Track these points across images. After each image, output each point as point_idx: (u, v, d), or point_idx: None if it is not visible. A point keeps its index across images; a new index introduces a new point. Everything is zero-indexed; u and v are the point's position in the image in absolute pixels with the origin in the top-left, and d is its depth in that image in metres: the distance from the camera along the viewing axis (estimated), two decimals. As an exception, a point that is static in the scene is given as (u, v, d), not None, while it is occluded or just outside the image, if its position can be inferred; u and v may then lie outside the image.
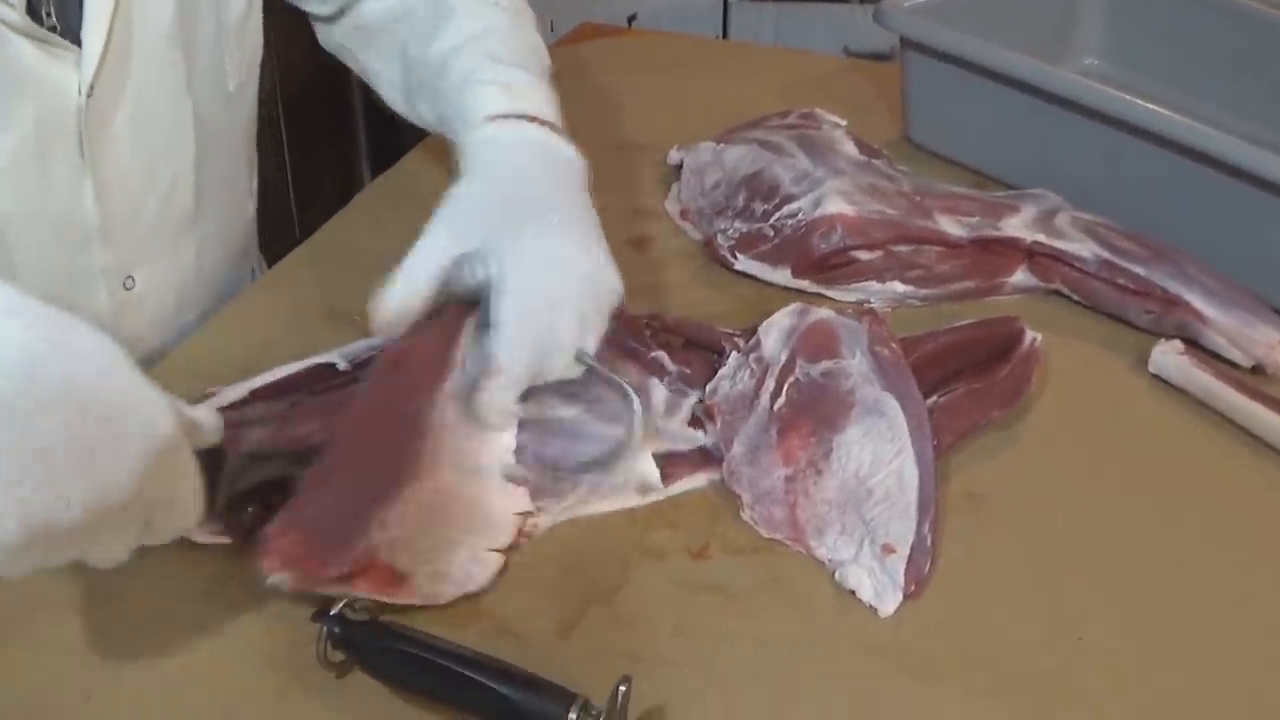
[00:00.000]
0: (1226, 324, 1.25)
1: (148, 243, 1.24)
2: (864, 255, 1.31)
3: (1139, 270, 1.29)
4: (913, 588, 0.99)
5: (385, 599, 0.93)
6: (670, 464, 1.09)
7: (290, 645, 0.93)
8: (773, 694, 0.92)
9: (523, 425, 1.06)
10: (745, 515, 1.06)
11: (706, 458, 1.11)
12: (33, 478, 0.72)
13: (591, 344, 1.05)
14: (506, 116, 1.14)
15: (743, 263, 1.35)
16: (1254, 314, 1.26)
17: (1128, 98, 1.37)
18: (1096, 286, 1.31)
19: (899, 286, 1.32)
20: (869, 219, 1.31)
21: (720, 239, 1.37)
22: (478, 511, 1.01)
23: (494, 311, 1.02)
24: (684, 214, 1.45)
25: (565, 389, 1.08)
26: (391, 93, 1.35)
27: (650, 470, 1.07)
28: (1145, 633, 0.98)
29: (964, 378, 1.16)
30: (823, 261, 1.31)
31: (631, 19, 2.79)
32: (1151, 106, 1.35)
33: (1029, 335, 1.19)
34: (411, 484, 0.97)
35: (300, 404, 1.07)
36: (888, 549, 1.00)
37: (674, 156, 1.54)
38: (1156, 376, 1.24)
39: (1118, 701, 0.92)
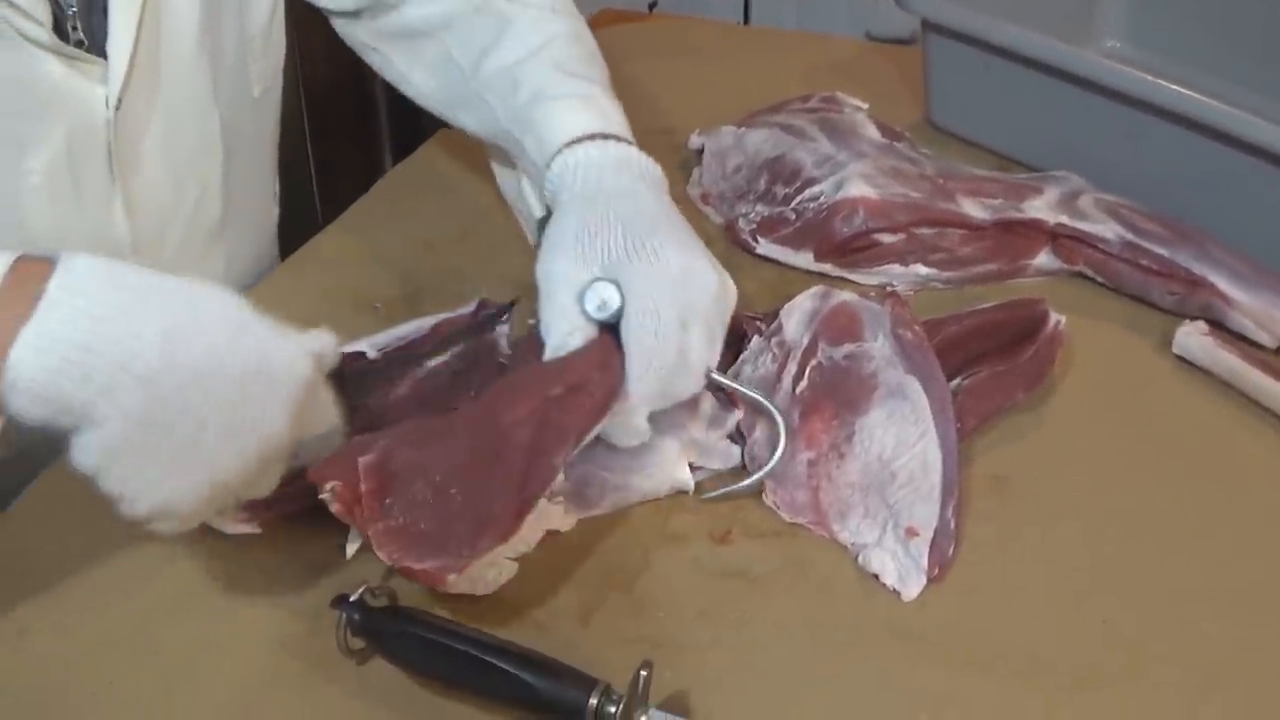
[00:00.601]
0: (1252, 305, 1.24)
1: (178, 256, 1.23)
2: (886, 238, 1.30)
3: (1163, 251, 1.28)
4: (936, 571, 0.98)
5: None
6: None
7: (310, 633, 0.93)
8: (795, 679, 0.91)
9: None
10: (768, 499, 1.05)
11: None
12: (197, 447, 0.78)
13: (715, 359, 1.04)
14: (593, 137, 1.12)
15: (764, 246, 1.34)
16: (1279, 294, 1.25)
17: (1151, 78, 1.35)
18: (1120, 268, 1.30)
19: (922, 269, 1.31)
20: (891, 202, 1.30)
21: (742, 223, 1.37)
22: None
23: (625, 334, 1.00)
24: (705, 198, 1.45)
25: None
26: (425, 100, 1.33)
27: (685, 477, 1.06)
28: (1170, 616, 0.97)
29: (988, 360, 1.15)
30: (845, 245, 1.30)
31: (653, 5, 2.78)
32: (1175, 87, 1.34)
33: (1053, 317, 1.18)
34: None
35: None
36: (911, 532, 0.99)
37: (695, 141, 1.54)
38: (1181, 358, 1.24)
39: (1143, 685, 0.91)
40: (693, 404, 1.08)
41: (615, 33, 1.94)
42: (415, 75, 1.31)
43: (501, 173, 1.35)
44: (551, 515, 1.02)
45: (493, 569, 0.96)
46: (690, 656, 0.92)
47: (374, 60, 1.35)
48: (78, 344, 0.75)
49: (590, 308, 1.00)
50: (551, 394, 0.95)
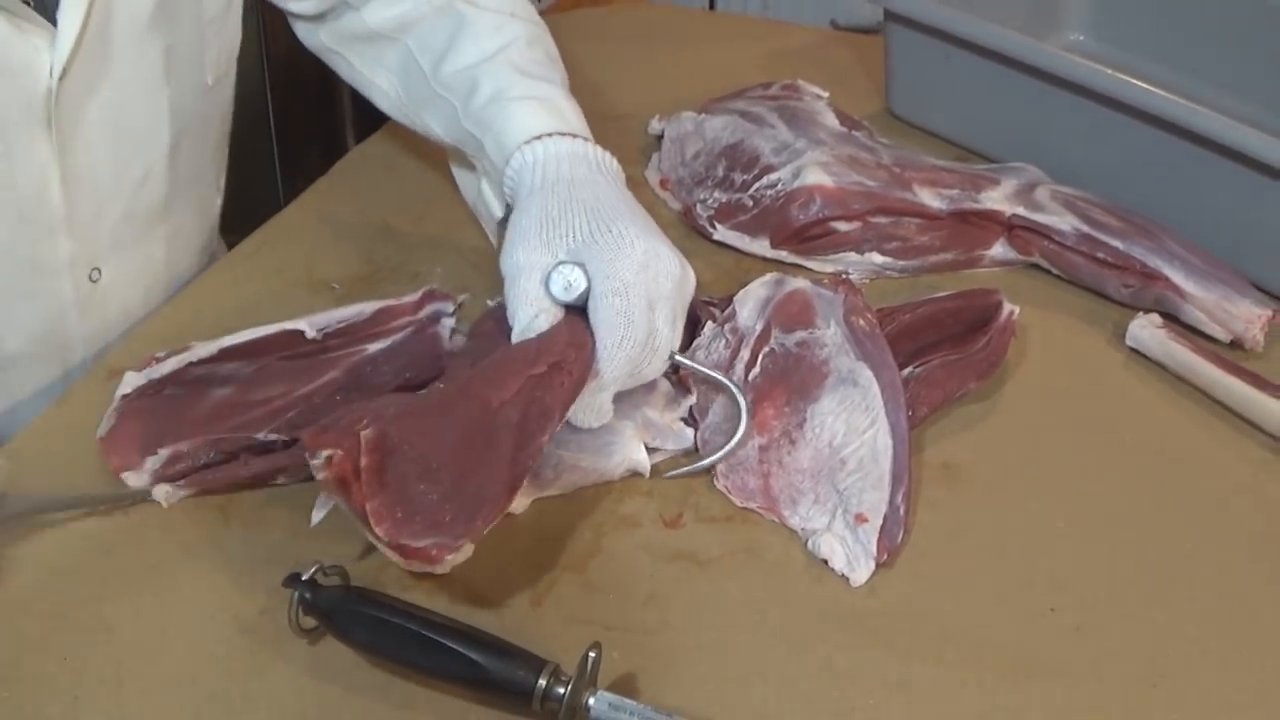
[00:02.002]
0: (1205, 299, 1.25)
1: (116, 234, 1.23)
2: (842, 226, 1.31)
3: (1118, 244, 1.29)
4: (885, 557, 0.99)
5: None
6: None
7: (261, 611, 0.93)
8: (743, 661, 0.92)
9: None
10: (719, 484, 1.06)
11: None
12: None
13: (678, 341, 1.05)
14: (551, 135, 1.13)
15: (721, 232, 1.35)
16: (1233, 289, 1.26)
17: (1110, 72, 1.36)
18: (1075, 260, 1.31)
19: (877, 258, 1.32)
20: (848, 190, 1.31)
21: (699, 209, 1.37)
22: None
23: (594, 315, 1.01)
24: (663, 184, 1.45)
25: None
26: (385, 102, 1.33)
27: (642, 459, 1.07)
28: (1117, 605, 0.98)
29: (941, 349, 1.16)
30: (801, 232, 1.31)
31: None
32: (1133, 81, 1.35)
33: (1006, 307, 1.19)
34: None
35: (268, 367, 1.09)
36: (860, 518, 1.00)
37: (655, 126, 1.54)
38: (1134, 350, 1.25)
39: (1090, 672, 0.92)
40: (650, 386, 1.09)
41: (579, 17, 1.95)
42: (378, 79, 1.31)
43: (462, 176, 1.36)
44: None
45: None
46: (639, 639, 0.93)
47: (336, 64, 1.36)
48: None
49: (556, 290, 1.01)
50: (535, 372, 0.95)
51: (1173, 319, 1.27)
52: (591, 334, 1.00)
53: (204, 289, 1.29)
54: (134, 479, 1.02)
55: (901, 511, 1.01)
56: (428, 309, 1.19)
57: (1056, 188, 1.37)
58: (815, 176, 1.31)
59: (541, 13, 1.84)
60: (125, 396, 1.04)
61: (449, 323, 1.19)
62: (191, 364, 1.06)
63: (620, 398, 1.05)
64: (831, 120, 1.46)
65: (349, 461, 0.87)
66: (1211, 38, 1.65)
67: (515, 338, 1.02)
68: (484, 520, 0.89)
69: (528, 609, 0.95)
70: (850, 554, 0.99)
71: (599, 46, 1.82)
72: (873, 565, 0.99)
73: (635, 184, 1.41)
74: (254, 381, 1.08)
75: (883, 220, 1.31)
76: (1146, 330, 1.24)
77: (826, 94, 1.56)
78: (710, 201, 1.37)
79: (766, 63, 1.77)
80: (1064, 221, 1.31)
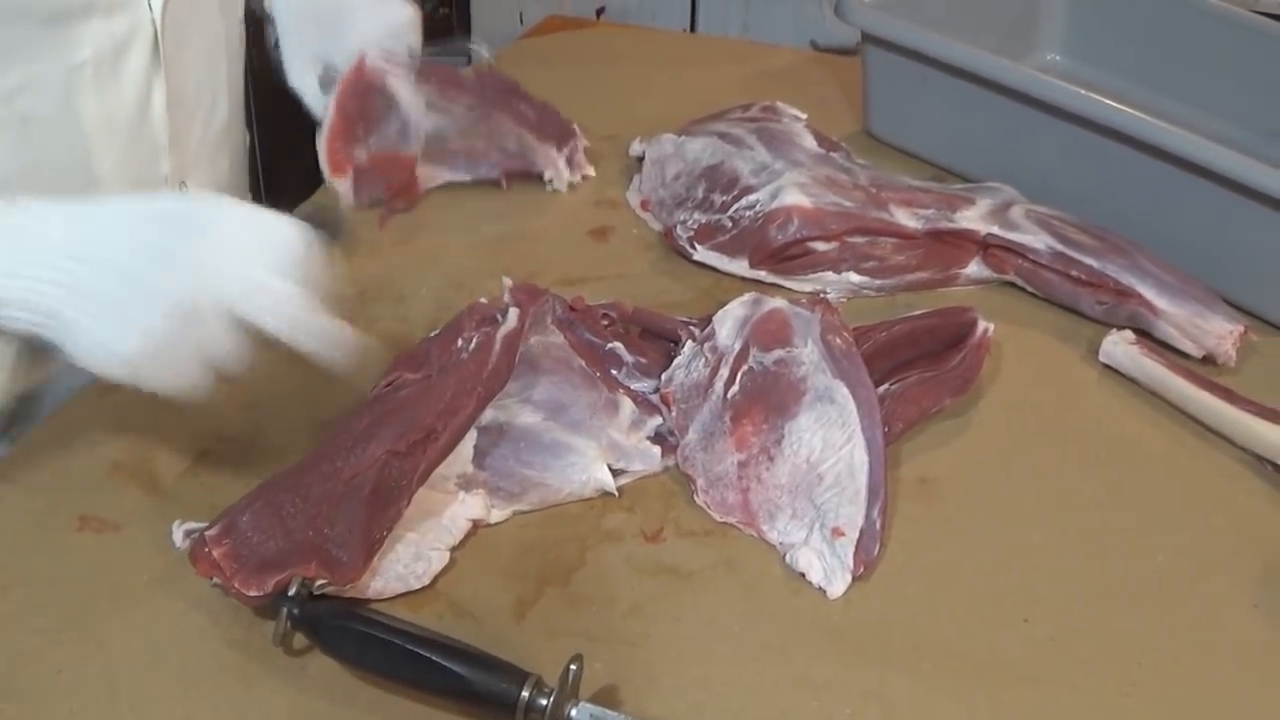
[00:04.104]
0: (1178, 315, 1.27)
1: (198, 151, 1.30)
2: (820, 246, 1.33)
3: (1092, 262, 1.31)
4: (861, 570, 1.01)
5: (331, 587, 0.95)
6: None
7: (249, 626, 0.95)
8: (723, 673, 0.93)
9: (483, 430, 1.08)
10: (699, 500, 1.08)
11: (662, 444, 1.13)
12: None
13: None
14: None
15: (701, 253, 1.36)
16: (1205, 305, 1.28)
17: (1083, 92, 1.38)
18: (1049, 277, 1.33)
19: (854, 277, 1.34)
20: (825, 211, 1.33)
21: (679, 229, 1.39)
22: (430, 514, 1.03)
23: None
24: (645, 205, 1.47)
25: (528, 395, 1.11)
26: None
27: (606, 479, 1.08)
28: (1090, 616, 1.00)
29: (916, 366, 1.18)
30: (779, 252, 1.33)
31: (600, 11, 2.81)
32: (1106, 101, 1.37)
33: (981, 325, 1.21)
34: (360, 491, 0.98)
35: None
36: (837, 532, 1.02)
37: (636, 148, 1.56)
38: (1108, 366, 1.27)
39: (1063, 682, 0.94)
40: (611, 408, 1.12)
41: (560, 40, 1.97)
42: None
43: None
44: (472, 505, 1.04)
45: (420, 561, 0.99)
46: (621, 650, 0.94)
47: None
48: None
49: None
50: (396, 449, 0.99)
51: (1146, 335, 1.29)
52: (476, 398, 1.05)
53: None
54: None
55: (878, 525, 1.03)
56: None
57: (1031, 207, 1.39)
58: (793, 197, 1.33)
59: (524, 35, 1.88)
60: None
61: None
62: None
63: (581, 420, 1.09)
64: (810, 142, 1.48)
65: (213, 568, 0.93)
66: (1185, 56, 1.68)
67: None
68: (340, 581, 0.94)
69: (511, 622, 0.97)
70: (827, 567, 1.01)
71: (581, 69, 1.84)
72: (849, 578, 1.00)
73: (617, 205, 1.44)
74: None
75: (859, 240, 1.33)
76: (1120, 346, 1.25)
77: (805, 116, 1.58)
78: (690, 222, 1.39)
79: (746, 84, 1.79)
80: (1038, 240, 1.33)
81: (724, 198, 1.38)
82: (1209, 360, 1.28)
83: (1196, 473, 1.16)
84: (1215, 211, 1.33)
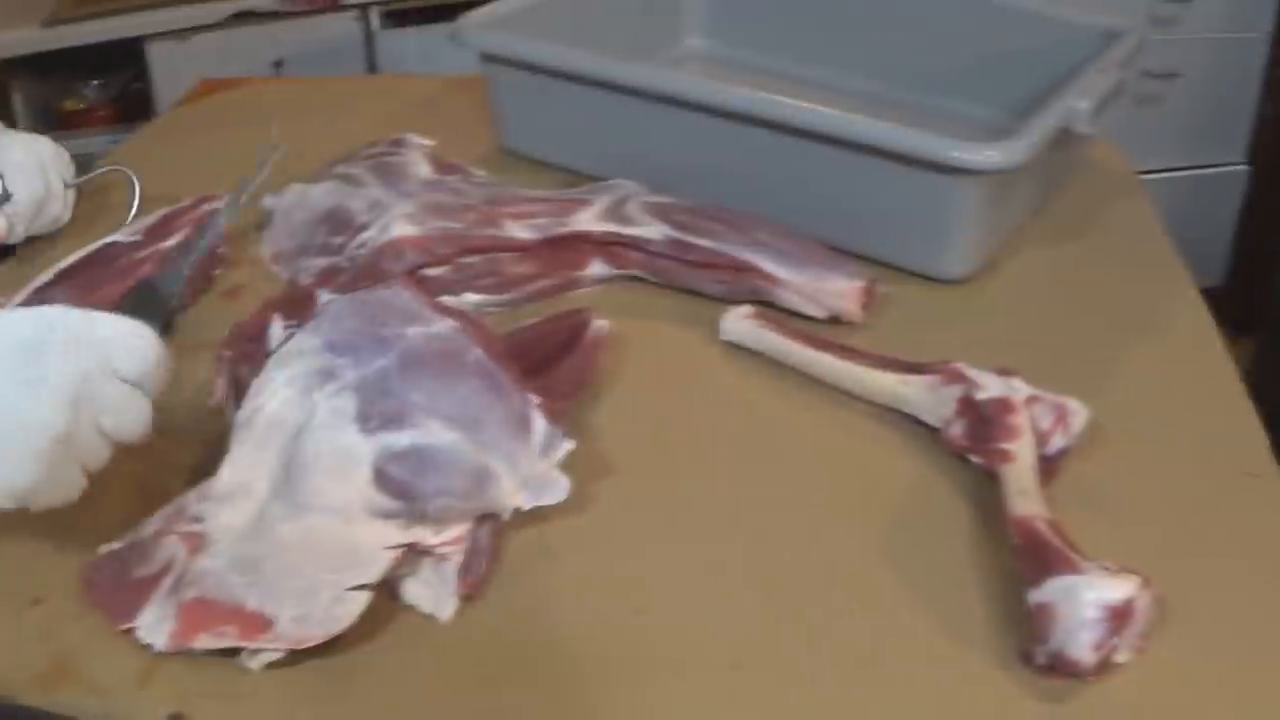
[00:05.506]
0: (798, 281, 1.29)
1: None
2: (433, 272, 1.33)
3: (707, 244, 1.32)
4: (468, 590, 1.00)
5: (251, 646, 0.93)
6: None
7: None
8: (340, 709, 0.93)
9: (391, 457, 1.03)
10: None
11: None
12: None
13: None
14: None
15: (325, 297, 1.35)
16: (826, 267, 1.31)
17: (681, 76, 1.42)
18: (667, 265, 1.35)
19: (473, 296, 1.34)
20: (433, 236, 1.33)
21: (303, 276, 1.38)
22: (345, 549, 0.99)
23: None
24: (275, 258, 1.46)
25: (436, 406, 1.06)
26: None
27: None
28: (709, 599, 1.00)
29: (536, 374, 1.18)
30: (397, 284, 1.33)
31: (278, 64, 2.80)
32: (697, 80, 1.40)
33: (594, 324, 1.22)
34: None
35: (98, 277, 1.33)
36: (441, 557, 1.01)
37: (268, 202, 1.54)
38: (732, 344, 1.28)
39: (680, 673, 0.94)
40: (524, 426, 1.08)
41: (212, 104, 1.95)
42: None
43: None
44: (388, 532, 1.01)
45: (340, 604, 0.95)
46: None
47: None
48: None
49: None
50: None
51: (772, 306, 1.31)
52: None
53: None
54: None
55: (485, 543, 1.03)
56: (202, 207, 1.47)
57: (648, 199, 1.41)
58: (401, 228, 1.33)
59: (176, 105, 1.86)
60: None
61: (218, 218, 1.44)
62: (36, 290, 1.29)
63: (498, 440, 1.06)
64: (424, 170, 1.49)
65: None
66: (827, 23, 1.72)
67: None
68: None
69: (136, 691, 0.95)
70: (436, 594, 1.00)
71: (232, 131, 1.81)
72: (456, 601, 1.00)
73: (250, 262, 1.43)
74: (88, 291, 1.31)
75: (473, 260, 1.34)
76: (738, 322, 1.27)
77: (431, 143, 1.59)
78: (311, 268, 1.38)
79: (387, 120, 1.78)
80: (654, 230, 1.35)
81: (340, 239, 1.38)
82: (838, 320, 1.30)
83: (824, 434, 1.17)
84: (837, 174, 1.36)
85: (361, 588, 0.96)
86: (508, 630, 0.99)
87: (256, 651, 0.93)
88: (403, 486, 1.02)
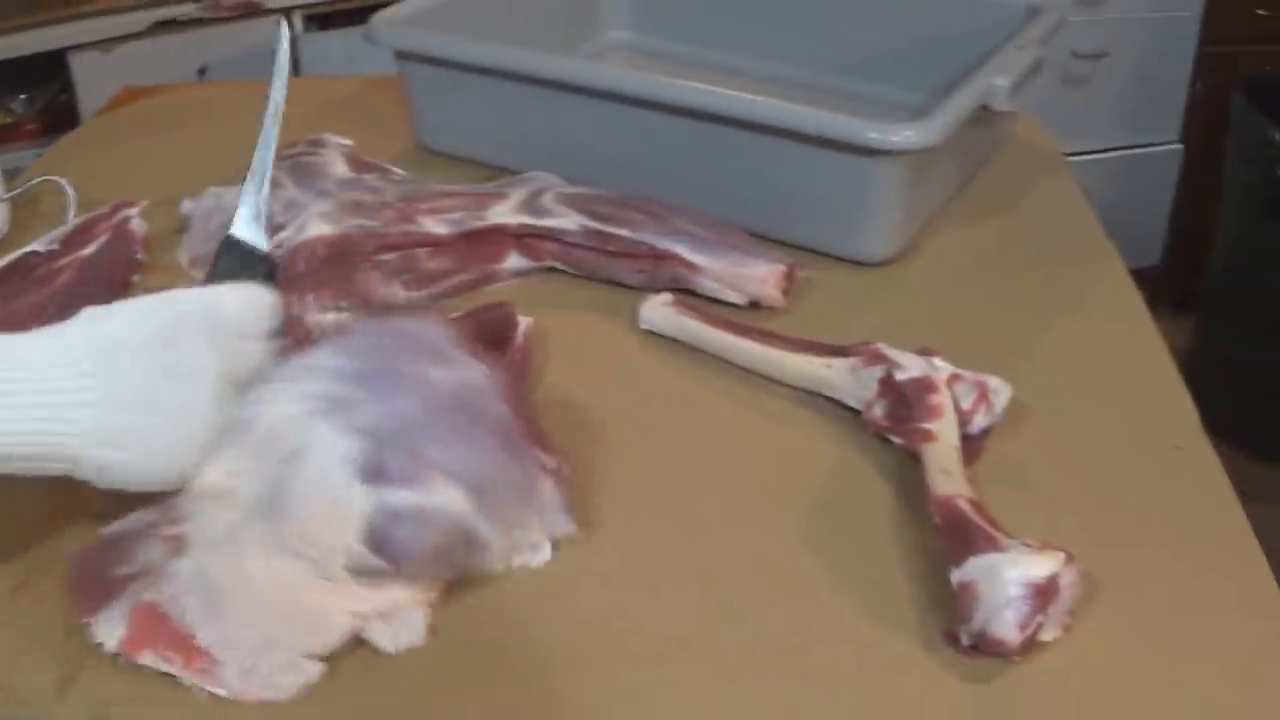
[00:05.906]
0: (717, 268, 1.28)
1: None
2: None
3: (624, 233, 1.31)
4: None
5: (196, 681, 0.90)
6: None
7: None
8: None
9: (389, 515, 0.95)
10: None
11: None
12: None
13: None
14: None
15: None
16: (745, 253, 1.30)
17: (587, 65, 1.41)
18: (585, 256, 1.34)
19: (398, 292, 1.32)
20: (347, 235, 1.31)
21: (217, 280, 1.36)
22: (310, 608, 0.94)
23: None
24: (192, 262, 1.44)
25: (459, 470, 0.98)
26: None
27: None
28: (637, 590, 0.99)
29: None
30: (313, 286, 1.31)
31: (203, 71, 2.77)
32: (609, 69, 1.40)
33: (522, 322, 1.22)
34: None
35: (18, 288, 1.32)
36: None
37: (185, 207, 1.52)
38: (651, 333, 1.27)
39: (604, 666, 0.93)
40: (529, 493, 1.03)
41: (133, 111, 1.92)
42: None
43: None
44: (360, 598, 0.96)
45: (290, 672, 0.91)
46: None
47: None
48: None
49: None
50: None
51: (692, 294, 1.30)
52: None
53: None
54: None
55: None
56: (120, 214, 1.44)
57: (564, 190, 1.40)
58: (316, 228, 1.32)
59: (97, 114, 1.84)
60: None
61: (137, 222, 1.44)
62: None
63: (500, 509, 1.00)
64: (340, 169, 1.47)
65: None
66: (749, 10, 1.71)
67: None
68: None
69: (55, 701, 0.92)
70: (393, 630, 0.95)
71: (156, 136, 1.80)
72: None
73: (166, 268, 1.41)
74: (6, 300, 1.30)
75: (389, 257, 1.32)
76: (656, 310, 1.26)
77: (349, 142, 1.57)
78: (228, 271, 1.36)
79: (308, 121, 1.76)
80: (570, 221, 1.34)
81: (257, 241, 1.36)
82: (758, 306, 1.29)
83: (745, 419, 1.17)
84: (756, 160, 1.35)
85: (315, 657, 0.92)
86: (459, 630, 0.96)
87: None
88: (393, 548, 0.95)
